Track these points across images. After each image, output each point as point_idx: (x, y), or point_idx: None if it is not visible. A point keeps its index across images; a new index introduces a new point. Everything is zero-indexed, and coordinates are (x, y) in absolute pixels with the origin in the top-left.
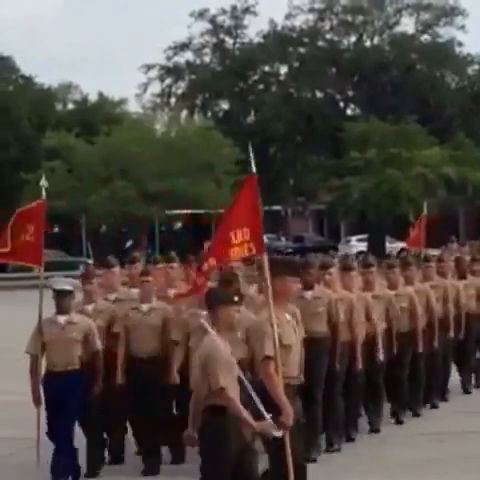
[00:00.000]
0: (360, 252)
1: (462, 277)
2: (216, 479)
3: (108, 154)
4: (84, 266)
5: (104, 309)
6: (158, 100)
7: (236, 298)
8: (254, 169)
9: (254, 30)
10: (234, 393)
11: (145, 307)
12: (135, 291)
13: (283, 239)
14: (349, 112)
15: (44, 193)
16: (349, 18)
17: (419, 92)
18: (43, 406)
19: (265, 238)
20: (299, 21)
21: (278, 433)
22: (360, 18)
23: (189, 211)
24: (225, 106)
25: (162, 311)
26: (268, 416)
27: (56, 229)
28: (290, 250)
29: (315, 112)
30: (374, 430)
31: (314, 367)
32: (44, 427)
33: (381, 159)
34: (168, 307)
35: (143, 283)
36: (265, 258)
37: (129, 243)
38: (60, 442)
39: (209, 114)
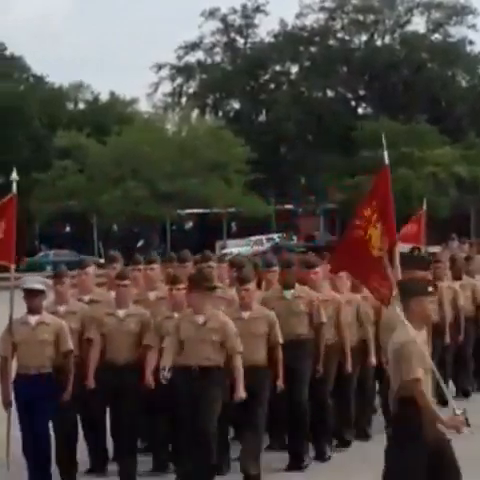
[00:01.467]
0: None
1: (457, 277)
2: (413, 472)
3: (119, 154)
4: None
5: (77, 310)
6: (169, 100)
7: (430, 289)
8: (387, 161)
9: (265, 29)
10: (425, 386)
11: (121, 313)
12: (112, 293)
13: (294, 238)
14: (360, 111)
15: (15, 188)
16: (360, 17)
17: (430, 91)
18: (14, 408)
19: (275, 237)
20: (310, 20)
21: (467, 430)
22: (371, 17)
23: (200, 210)
24: (236, 105)
25: (139, 316)
26: (459, 411)
27: (68, 229)
28: (302, 249)
29: (326, 111)
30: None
31: (297, 370)
32: (16, 427)
33: (392, 158)
34: (145, 312)
35: (119, 287)
36: (397, 253)
37: (140, 243)
38: (35, 446)
39: (220, 113)
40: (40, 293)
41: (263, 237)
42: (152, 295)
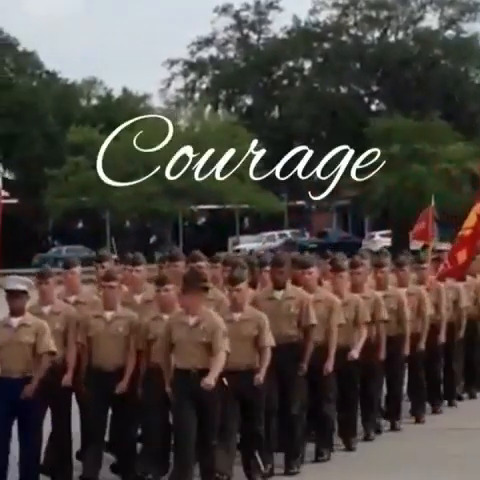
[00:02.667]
0: (384, 247)
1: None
2: None
3: (132, 150)
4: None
5: (61, 311)
6: (182, 95)
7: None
8: None
9: (278, 25)
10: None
11: (108, 315)
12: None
13: (307, 234)
14: (373, 107)
15: (0, 184)
16: (373, 13)
17: (443, 87)
18: None
19: (288, 233)
20: (323, 16)
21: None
22: (384, 13)
23: (213, 206)
24: (249, 101)
25: (128, 319)
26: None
27: (80, 225)
28: (314, 245)
29: (339, 107)
30: (368, 439)
31: (287, 375)
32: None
33: (405, 155)
34: (134, 314)
35: (106, 288)
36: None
37: (153, 239)
38: (22, 455)
39: (233, 109)
40: (22, 294)
41: (275, 233)
42: (138, 298)
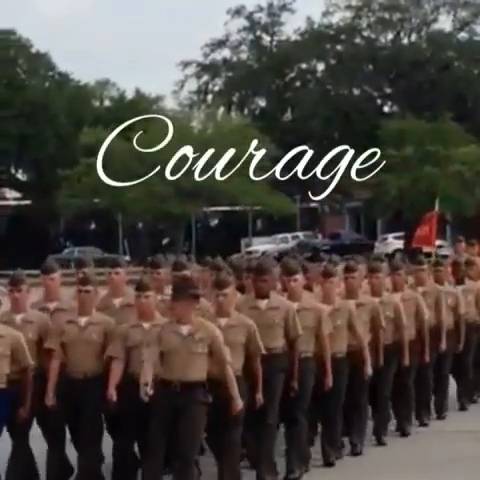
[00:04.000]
0: (397, 250)
1: (459, 282)
2: None
3: (145, 151)
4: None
5: (34, 320)
6: (195, 97)
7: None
8: None
9: (291, 27)
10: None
11: (83, 320)
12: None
13: (319, 236)
14: (386, 109)
15: None
16: (386, 15)
17: (456, 89)
18: None
19: (301, 235)
20: (336, 18)
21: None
22: (397, 15)
23: (226, 208)
24: (262, 103)
25: (103, 325)
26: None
27: (93, 226)
28: (327, 247)
29: (352, 109)
30: (355, 452)
31: (270, 388)
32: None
33: (418, 157)
34: (110, 320)
35: (81, 293)
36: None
37: (165, 240)
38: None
39: (246, 111)
40: None
41: (288, 235)
42: (117, 302)
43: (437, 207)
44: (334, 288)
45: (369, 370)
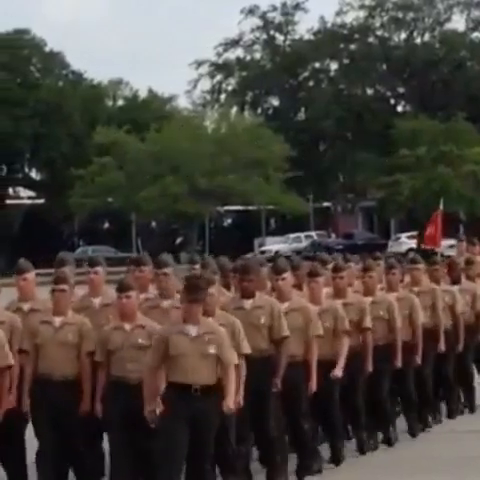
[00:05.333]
0: (410, 249)
1: (455, 282)
2: None
3: (158, 151)
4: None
5: (5, 320)
6: (208, 96)
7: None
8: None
9: (304, 27)
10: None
11: (57, 321)
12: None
13: (333, 236)
14: (399, 109)
15: None
16: (400, 15)
17: (469, 89)
18: None
19: (314, 235)
20: (350, 18)
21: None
22: (411, 15)
23: (239, 207)
24: (275, 103)
25: (78, 325)
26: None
27: (106, 225)
28: (340, 247)
29: (365, 109)
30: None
31: (260, 393)
32: None
33: (431, 156)
34: (85, 320)
35: (56, 292)
36: None
37: (179, 240)
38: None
39: (259, 111)
40: None
41: (301, 234)
42: (97, 302)
43: (441, 206)
44: (320, 288)
45: (338, 373)
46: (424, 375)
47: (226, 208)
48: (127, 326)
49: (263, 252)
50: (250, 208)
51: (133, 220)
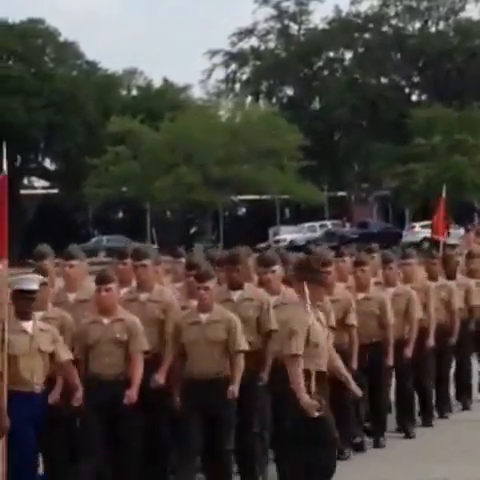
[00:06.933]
0: (424, 238)
1: (450, 278)
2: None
3: (173, 140)
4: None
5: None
6: (223, 86)
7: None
8: None
9: (319, 16)
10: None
11: (38, 316)
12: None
13: (347, 225)
14: (414, 98)
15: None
16: (414, 4)
17: None
18: None
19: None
20: (364, 7)
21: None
22: (425, 4)
23: (253, 197)
24: (290, 92)
25: (59, 320)
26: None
27: (121, 215)
28: (355, 236)
29: (380, 98)
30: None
31: (246, 387)
32: None
33: (446, 145)
34: (66, 315)
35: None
36: None
37: (194, 229)
38: None
39: (274, 100)
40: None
41: (316, 224)
42: (72, 297)
43: (444, 194)
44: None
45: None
46: (423, 375)
47: (240, 197)
48: (105, 320)
49: (277, 241)
50: (264, 197)
51: (147, 209)
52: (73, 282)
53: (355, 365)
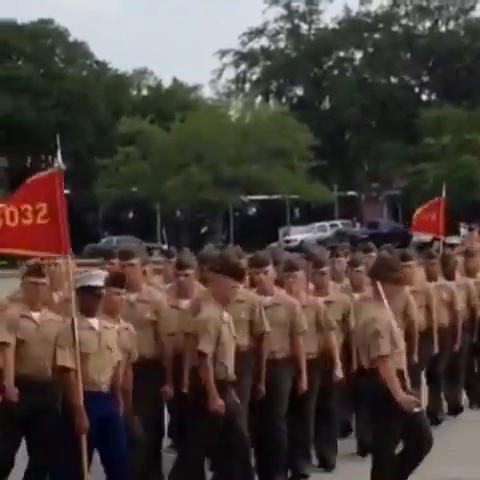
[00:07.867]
0: (434, 238)
1: (448, 279)
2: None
3: (183, 140)
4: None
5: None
6: (233, 86)
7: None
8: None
9: (329, 16)
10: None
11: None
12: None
13: (358, 225)
14: (423, 97)
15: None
16: (424, 3)
17: None
18: None
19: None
20: (374, 6)
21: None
22: (435, 3)
23: (263, 197)
24: (300, 92)
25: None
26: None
27: (131, 215)
28: (365, 236)
29: (389, 97)
30: (326, 466)
31: (238, 391)
32: None
33: (456, 145)
34: (59, 317)
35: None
36: None
37: (204, 229)
38: None
39: (284, 100)
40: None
41: (326, 224)
42: (56, 297)
43: (444, 194)
44: (298, 283)
45: (339, 373)
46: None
47: (250, 197)
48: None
49: (288, 241)
50: (275, 197)
51: (158, 210)
52: (57, 282)
53: (355, 365)
